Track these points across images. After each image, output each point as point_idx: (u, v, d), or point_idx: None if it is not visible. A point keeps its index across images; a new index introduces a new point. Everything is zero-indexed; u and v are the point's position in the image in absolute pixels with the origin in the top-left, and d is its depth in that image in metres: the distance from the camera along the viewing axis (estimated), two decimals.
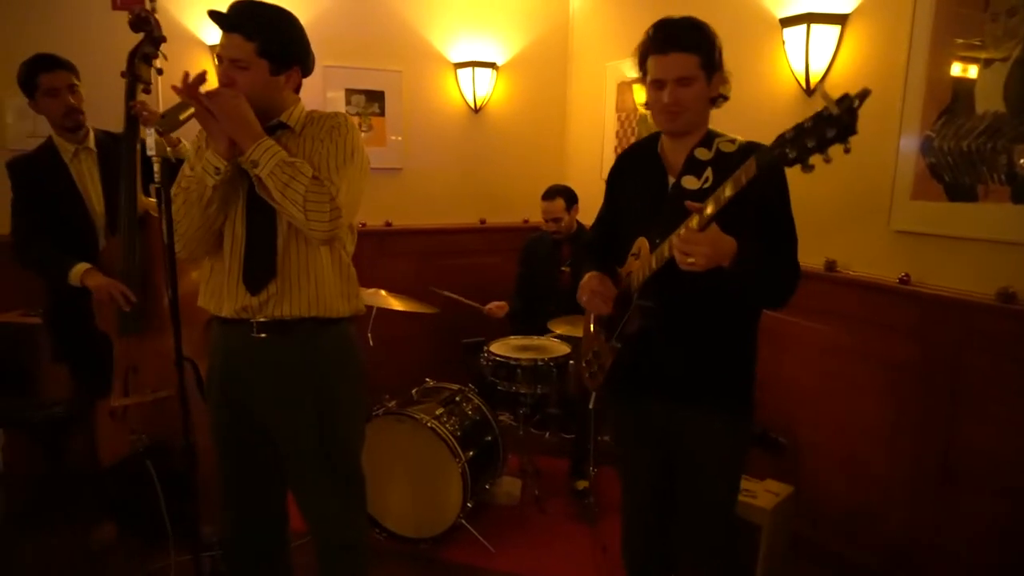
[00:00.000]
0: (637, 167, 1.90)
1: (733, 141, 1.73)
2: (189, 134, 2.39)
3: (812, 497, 2.83)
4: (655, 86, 1.69)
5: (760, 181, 1.42)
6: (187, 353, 2.31)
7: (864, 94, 1.27)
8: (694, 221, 1.53)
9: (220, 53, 1.78)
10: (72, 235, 2.57)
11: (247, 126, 1.70)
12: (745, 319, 1.80)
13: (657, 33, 1.68)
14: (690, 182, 1.72)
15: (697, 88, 1.66)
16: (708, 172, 1.70)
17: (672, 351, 1.78)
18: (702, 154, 1.73)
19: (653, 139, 1.86)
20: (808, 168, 1.35)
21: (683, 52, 1.64)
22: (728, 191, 1.46)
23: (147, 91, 2.47)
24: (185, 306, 2.02)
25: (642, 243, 1.76)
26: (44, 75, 2.50)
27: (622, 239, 1.86)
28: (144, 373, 2.46)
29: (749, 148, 1.68)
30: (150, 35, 2.42)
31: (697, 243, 1.50)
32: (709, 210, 1.49)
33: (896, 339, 2.51)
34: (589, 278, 1.87)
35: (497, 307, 3.78)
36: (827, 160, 1.33)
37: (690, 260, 1.51)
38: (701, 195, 1.60)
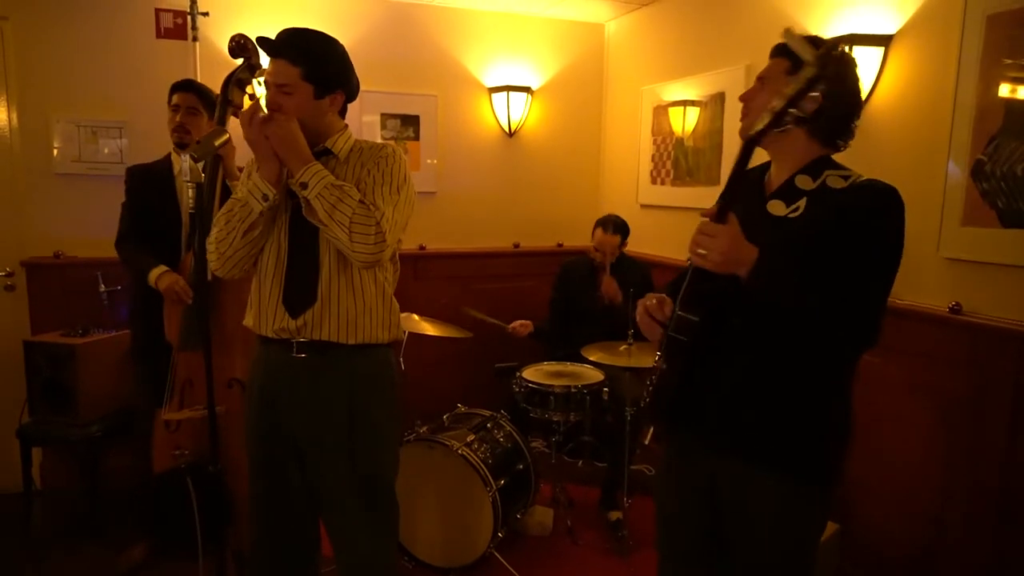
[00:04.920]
0: (745, 188, 1.61)
1: (847, 177, 1.46)
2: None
3: (861, 537, 2.70)
4: None
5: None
6: (241, 376, 2.34)
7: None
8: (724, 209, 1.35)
9: (267, 79, 1.84)
10: (163, 243, 2.74)
11: (298, 149, 1.77)
12: (826, 359, 1.46)
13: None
14: (776, 207, 1.49)
15: None
16: (802, 203, 1.45)
17: (721, 380, 1.49)
18: (803, 182, 1.48)
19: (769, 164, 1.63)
20: None
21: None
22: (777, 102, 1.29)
23: (236, 115, 2.48)
24: (243, 329, 2.06)
25: None
26: (177, 93, 2.76)
27: None
28: (199, 388, 2.49)
29: (861, 187, 1.43)
30: (248, 61, 2.41)
31: (712, 235, 1.34)
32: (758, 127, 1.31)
33: (947, 371, 2.40)
34: (649, 295, 1.62)
35: (521, 325, 3.76)
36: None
37: (701, 252, 1.35)
38: (784, 224, 1.44)
